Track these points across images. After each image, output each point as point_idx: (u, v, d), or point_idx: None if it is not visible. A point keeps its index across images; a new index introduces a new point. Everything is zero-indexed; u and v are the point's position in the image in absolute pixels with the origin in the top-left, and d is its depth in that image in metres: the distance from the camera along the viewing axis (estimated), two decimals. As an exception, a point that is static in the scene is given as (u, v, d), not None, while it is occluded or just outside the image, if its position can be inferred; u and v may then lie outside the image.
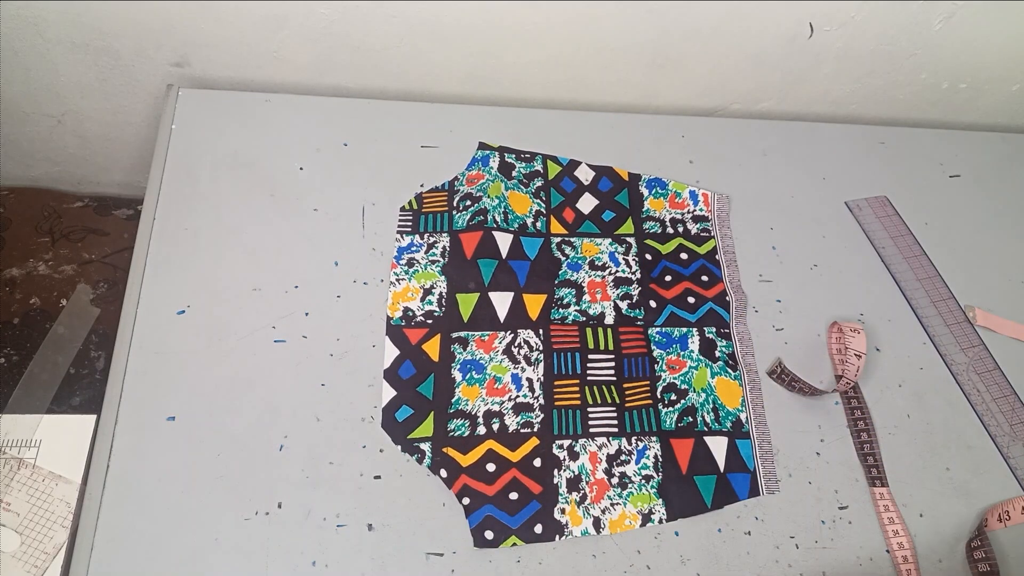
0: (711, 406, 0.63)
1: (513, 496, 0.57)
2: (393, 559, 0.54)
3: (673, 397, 0.63)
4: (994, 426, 0.65)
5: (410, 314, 0.64)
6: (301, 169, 0.70)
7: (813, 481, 0.61)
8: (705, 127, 0.80)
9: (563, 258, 0.69)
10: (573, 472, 0.58)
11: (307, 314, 0.63)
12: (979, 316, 0.71)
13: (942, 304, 0.71)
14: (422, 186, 0.71)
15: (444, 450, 0.58)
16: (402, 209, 0.69)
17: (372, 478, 0.57)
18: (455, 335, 0.63)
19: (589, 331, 0.65)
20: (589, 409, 0.61)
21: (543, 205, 0.72)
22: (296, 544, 0.53)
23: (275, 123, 0.73)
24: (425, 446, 0.58)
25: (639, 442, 0.60)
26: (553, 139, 0.76)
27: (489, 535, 0.55)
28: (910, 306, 0.71)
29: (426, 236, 0.68)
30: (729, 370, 0.65)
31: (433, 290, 0.65)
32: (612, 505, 0.57)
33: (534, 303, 0.66)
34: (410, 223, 0.69)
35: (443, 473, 0.57)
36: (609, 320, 0.66)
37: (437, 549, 0.55)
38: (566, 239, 0.70)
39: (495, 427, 0.60)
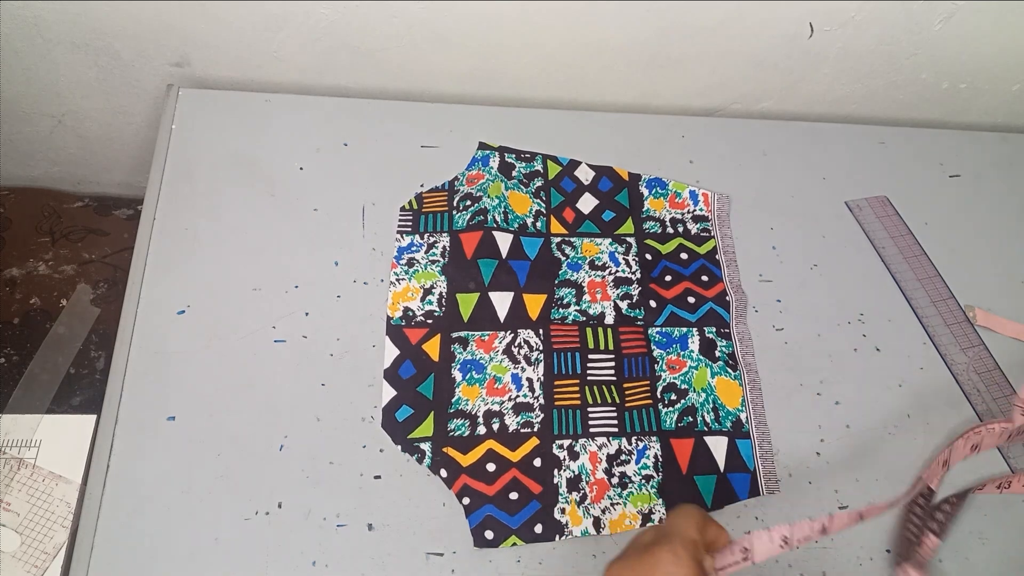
0: (711, 406, 0.63)
1: (513, 496, 0.57)
2: (393, 559, 0.54)
3: (673, 397, 0.63)
4: (994, 426, 0.65)
5: (410, 314, 0.64)
6: (301, 169, 0.70)
7: (813, 481, 0.61)
8: (705, 127, 0.80)
9: (563, 258, 0.69)
10: (573, 472, 0.58)
11: (307, 314, 0.63)
12: (979, 316, 0.71)
13: (942, 304, 0.71)
14: (422, 186, 0.71)
15: (444, 450, 0.58)
16: (402, 209, 0.69)
17: (372, 478, 0.57)
18: (455, 335, 0.63)
19: (589, 331, 0.65)
20: (589, 409, 0.61)
21: (543, 205, 0.72)
22: (296, 544, 0.53)
23: (275, 123, 0.73)
24: (425, 446, 0.58)
25: (639, 442, 0.60)
26: (553, 139, 0.76)
27: (489, 535, 0.55)
28: (910, 306, 0.71)
29: (426, 236, 0.68)
30: (729, 370, 0.65)
31: (433, 290, 0.65)
32: (612, 505, 0.57)
33: (534, 303, 0.66)
34: (410, 223, 0.69)
35: (443, 473, 0.57)
36: (609, 320, 0.66)
37: (437, 549, 0.55)
38: (566, 239, 0.70)
39: (495, 427, 0.60)
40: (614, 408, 0.62)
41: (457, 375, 0.62)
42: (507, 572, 0.54)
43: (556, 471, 0.58)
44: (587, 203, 0.72)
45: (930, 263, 0.74)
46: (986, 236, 0.77)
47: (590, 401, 0.62)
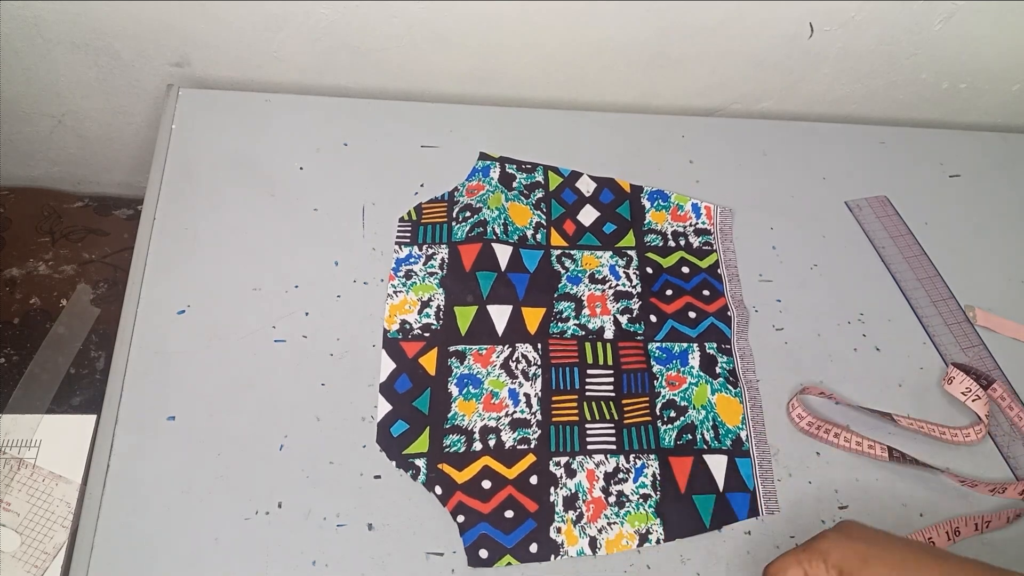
0: (711, 423, 0.62)
1: (509, 514, 0.56)
2: (393, 559, 0.54)
3: (672, 414, 0.62)
4: (994, 426, 0.65)
5: (407, 327, 0.63)
6: (301, 169, 0.70)
7: (813, 481, 0.61)
8: (705, 127, 0.80)
9: (563, 271, 0.68)
10: (570, 490, 0.58)
11: (307, 314, 0.63)
12: (979, 316, 0.71)
13: (942, 304, 0.71)
14: (422, 186, 0.71)
15: (439, 466, 0.57)
16: (400, 220, 0.69)
17: (372, 478, 0.57)
18: (452, 349, 0.63)
19: (588, 346, 0.64)
20: (587, 426, 0.60)
21: (543, 217, 0.71)
22: (296, 544, 0.53)
23: (275, 123, 0.73)
24: (420, 462, 0.57)
25: (637, 460, 0.59)
26: (553, 139, 0.76)
27: (484, 554, 0.54)
28: (910, 306, 0.71)
29: (424, 247, 0.67)
30: (730, 387, 0.64)
31: (431, 303, 0.64)
32: (609, 524, 0.57)
33: (533, 316, 0.65)
34: (409, 234, 0.68)
35: (438, 490, 0.56)
36: (608, 335, 0.65)
37: (437, 549, 0.55)
38: (566, 251, 0.69)
39: (491, 443, 0.59)
40: (612, 425, 0.61)
41: (454, 390, 0.61)
42: (507, 571, 0.54)
43: (553, 489, 0.57)
44: (588, 215, 0.72)
45: (930, 263, 0.74)
46: (986, 236, 0.77)
47: (588, 418, 0.61)
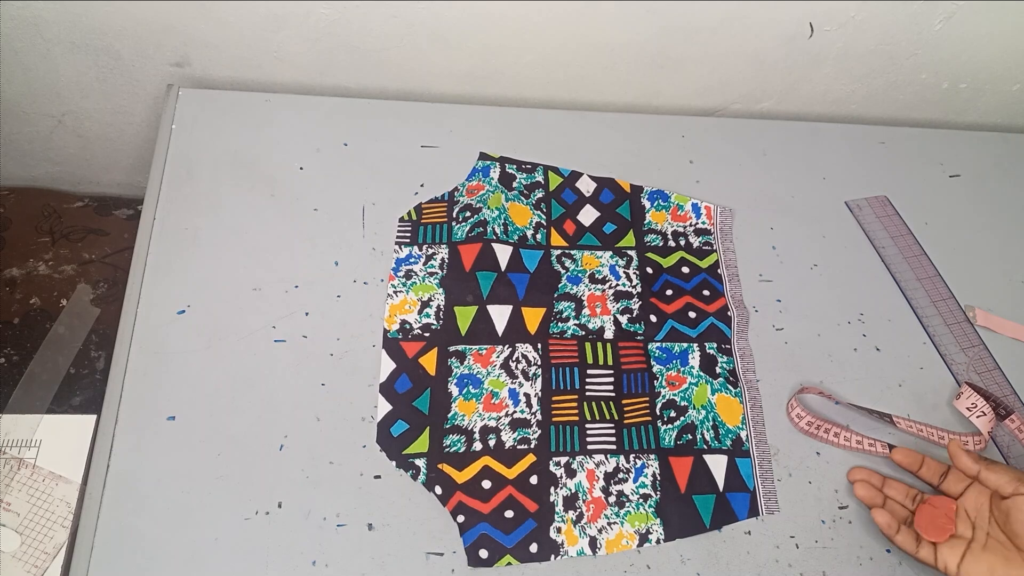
0: (711, 423, 0.62)
1: (509, 514, 0.56)
2: (393, 559, 0.54)
3: (672, 414, 0.62)
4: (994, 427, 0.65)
5: (407, 327, 0.63)
6: (301, 169, 0.70)
7: (813, 481, 0.61)
8: (705, 127, 0.80)
9: (563, 271, 0.68)
10: (570, 490, 0.58)
11: (307, 314, 0.63)
12: (979, 316, 0.71)
13: (942, 304, 0.71)
14: (422, 186, 0.71)
15: (439, 466, 0.57)
16: (401, 220, 0.69)
17: (372, 478, 0.57)
18: (452, 349, 0.63)
19: (588, 346, 0.64)
20: (587, 426, 0.60)
21: (544, 217, 0.71)
22: (296, 544, 0.53)
23: (275, 123, 0.73)
24: (420, 462, 0.57)
25: (637, 460, 0.59)
26: (553, 139, 0.76)
27: (484, 554, 0.54)
28: (910, 306, 0.71)
29: (424, 247, 0.67)
30: (730, 387, 0.64)
31: (431, 303, 0.64)
32: (609, 524, 0.57)
33: (533, 316, 0.65)
34: (409, 234, 0.68)
35: (438, 490, 0.56)
36: (609, 335, 0.65)
37: (437, 549, 0.55)
38: (566, 251, 0.69)
39: (491, 443, 0.59)
40: (612, 425, 0.61)
41: (454, 390, 0.61)
42: (507, 571, 0.54)
43: (553, 489, 0.57)
44: (588, 215, 0.72)
45: (930, 263, 0.74)
46: (986, 236, 0.77)
47: (588, 418, 0.61)
